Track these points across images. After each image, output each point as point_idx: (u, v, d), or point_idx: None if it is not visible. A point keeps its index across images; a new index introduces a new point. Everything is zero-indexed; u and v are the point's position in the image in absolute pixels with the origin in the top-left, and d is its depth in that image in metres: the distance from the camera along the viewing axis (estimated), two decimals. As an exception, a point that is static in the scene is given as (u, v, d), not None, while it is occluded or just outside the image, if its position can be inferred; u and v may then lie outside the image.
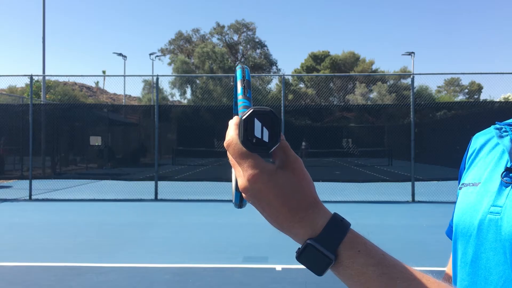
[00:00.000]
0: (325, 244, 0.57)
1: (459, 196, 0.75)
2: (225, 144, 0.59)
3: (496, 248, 0.63)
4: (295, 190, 0.58)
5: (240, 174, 0.58)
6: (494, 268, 0.62)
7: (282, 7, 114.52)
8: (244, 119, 0.56)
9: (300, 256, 0.58)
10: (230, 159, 0.60)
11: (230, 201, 0.64)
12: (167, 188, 12.45)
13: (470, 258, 0.67)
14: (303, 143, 18.20)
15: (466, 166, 0.79)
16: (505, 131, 0.72)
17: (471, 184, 0.72)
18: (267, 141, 0.56)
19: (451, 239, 0.80)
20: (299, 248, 0.59)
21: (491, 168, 0.71)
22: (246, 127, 0.56)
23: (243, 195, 0.59)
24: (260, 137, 0.56)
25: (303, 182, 0.59)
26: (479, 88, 50.37)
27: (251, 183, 0.57)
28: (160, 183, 12.17)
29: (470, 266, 0.66)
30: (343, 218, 0.59)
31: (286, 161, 0.59)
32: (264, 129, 0.56)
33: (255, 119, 0.56)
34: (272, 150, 0.57)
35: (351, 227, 0.59)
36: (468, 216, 0.69)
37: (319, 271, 0.58)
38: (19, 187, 13.81)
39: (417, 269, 0.60)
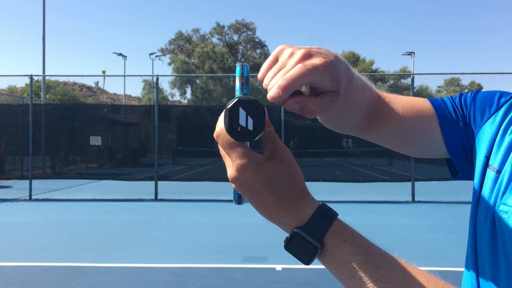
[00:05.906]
0: (311, 232, 0.57)
1: (487, 176, 0.72)
2: (214, 135, 0.60)
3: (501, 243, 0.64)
4: (283, 179, 0.59)
5: (229, 164, 0.59)
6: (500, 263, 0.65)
7: (282, 7, 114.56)
8: (229, 108, 0.57)
9: (288, 245, 0.59)
10: (220, 150, 0.61)
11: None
12: (167, 188, 12.45)
13: (486, 242, 0.69)
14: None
15: (500, 134, 0.73)
16: None
17: (495, 171, 0.70)
18: (251, 129, 0.57)
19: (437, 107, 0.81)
20: (287, 237, 0.59)
21: (510, 158, 0.68)
22: (231, 116, 0.57)
23: (233, 185, 0.60)
24: (244, 125, 0.57)
25: (291, 172, 0.59)
26: (479, 88, 50.41)
27: (239, 172, 0.58)
28: (160, 183, 12.17)
29: (487, 249, 0.69)
30: (330, 208, 0.60)
31: (274, 151, 0.59)
32: (249, 118, 0.57)
33: (240, 108, 0.57)
34: (256, 138, 0.58)
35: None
36: (484, 203, 0.70)
37: (306, 260, 0.59)
38: (19, 187, 13.82)
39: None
